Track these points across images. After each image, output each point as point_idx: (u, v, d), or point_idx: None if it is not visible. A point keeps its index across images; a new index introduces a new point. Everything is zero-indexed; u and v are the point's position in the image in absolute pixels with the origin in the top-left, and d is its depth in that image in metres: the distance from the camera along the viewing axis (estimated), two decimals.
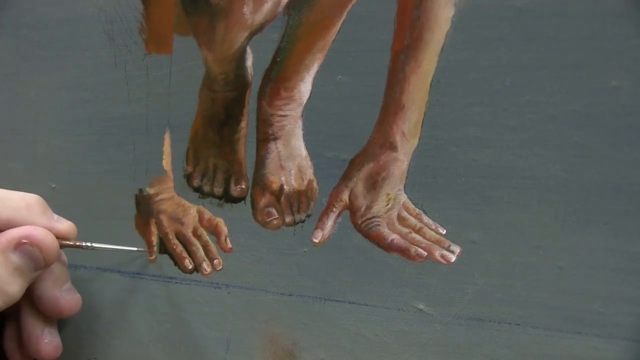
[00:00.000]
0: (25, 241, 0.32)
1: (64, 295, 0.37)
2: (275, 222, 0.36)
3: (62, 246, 0.35)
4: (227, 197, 0.37)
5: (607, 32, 0.28)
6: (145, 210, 0.39)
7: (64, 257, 0.37)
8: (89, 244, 0.36)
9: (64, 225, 0.35)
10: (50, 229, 0.34)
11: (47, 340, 0.37)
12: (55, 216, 0.35)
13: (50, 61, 0.41)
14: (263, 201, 0.36)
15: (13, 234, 0.32)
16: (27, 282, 0.33)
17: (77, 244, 0.36)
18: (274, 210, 0.36)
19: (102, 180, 0.40)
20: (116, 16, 0.38)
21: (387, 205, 0.34)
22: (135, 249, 0.39)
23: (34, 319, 0.37)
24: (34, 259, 0.33)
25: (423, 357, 0.33)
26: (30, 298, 0.36)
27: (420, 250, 0.33)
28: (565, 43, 0.29)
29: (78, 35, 0.40)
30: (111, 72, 0.39)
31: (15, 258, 0.32)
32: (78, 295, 0.37)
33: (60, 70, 0.41)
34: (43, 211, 0.34)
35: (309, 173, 0.35)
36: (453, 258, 0.32)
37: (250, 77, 0.36)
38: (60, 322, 0.40)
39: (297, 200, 0.36)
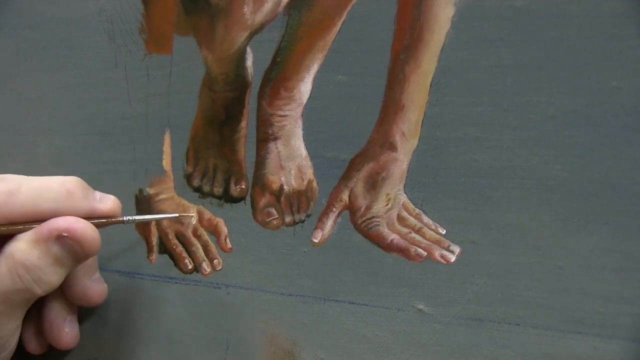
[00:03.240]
0: (65, 234, 0.32)
1: (93, 285, 0.37)
2: (275, 222, 0.36)
3: (103, 225, 0.34)
4: (227, 197, 0.37)
5: (607, 32, 0.28)
6: (145, 210, 0.39)
7: None
8: (130, 218, 0.36)
9: (107, 204, 0.34)
10: (93, 212, 0.34)
11: (68, 329, 0.38)
12: (98, 195, 0.35)
13: (51, 61, 0.41)
14: (263, 201, 0.36)
15: (55, 225, 0.32)
16: (66, 272, 0.33)
17: (117, 219, 0.35)
18: (273, 210, 0.36)
19: (102, 180, 0.40)
20: (116, 16, 0.38)
21: (387, 205, 0.34)
22: (177, 215, 0.38)
23: (58, 308, 0.37)
24: (75, 252, 0.33)
25: (423, 357, 0.33)
26: (60, 287, 0.35)
27: (420, 250, 0.33)
28: (565, 43, 0.29)
29: (78, 35, 0.40)
30: (111, 72, 0.39)
31: (56, 249, 0.32)
32: (105, 285, 0.38)
33: (61, 70, 0.41)
34: (84, 195, 0.34)
35: (309, 173, 0.35)
36: (453, 258, 0.32)
37: (250, 77, 0.36)
38: None
39: (297, 200, 0.36)
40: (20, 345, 0.38)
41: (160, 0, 0.37)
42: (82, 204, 0.33)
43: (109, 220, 0.34)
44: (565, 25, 0.29)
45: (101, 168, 0.40)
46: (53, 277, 0.33)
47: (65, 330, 0.37)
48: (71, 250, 0.32)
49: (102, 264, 0.40)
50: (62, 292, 0.36)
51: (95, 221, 0.34)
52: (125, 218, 0.35)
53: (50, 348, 0.38)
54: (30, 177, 0.33)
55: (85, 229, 0.33)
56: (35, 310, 0.37)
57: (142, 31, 0.38)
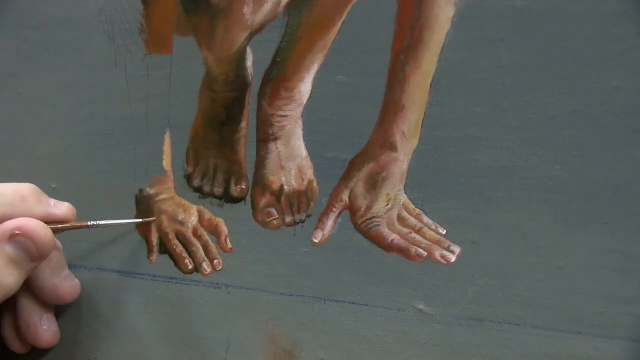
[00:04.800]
0: (17, 232, 0.32)
1: (63, 282, 0.37)
2: (275, 222, 0.36)
3: (64, 229, 0.35)
4: (227, 197, 0.37)
5: (607, 32, 0.28)
6: (145, 210, 0.39)
7: (59, 244, 0.37)
8: (93, 223, 0.36)
9: (62, 209, 0.35)
10: (47, 216, 0.34)
11: (46, 327, 0.38)
12: (52, 201, 0.35)
13: (51, 61, 0.41)
14: (263, 201, 0.36)
15: (6, 225, 0.33)
16: (23, 274, 0.33)
17: (81, 224, 0.36)
18: (273, 210, 0.36)
19: (103, 180, 0.40)
20: (116, 16, 0.38)
21: (387, 205, 0.34)
22: (140, 220, 0.39)
23: (31, 307, 0.37)
24: (28, 251, 0.33)
25: (423, 357, 0.33)
26: (27, 287, 0.36)
27: (420, 250, 0.33)
28: (565, 43, 0.29)
29: (78, 36, 0.40)
30: (111, 72, 0.39)
31: (9, 250, 0.32)
32: (76, 281, 0.38)
33: (61, 70, 0.41)
34: (38, 200, 0.35)
35: (309, 173, 0.35)
36: (453, 258, 0.32)
37: (250, 77, 0.36)
38: (59, 323, 0.40)
39: (297, 200, 0.36)
40: (4, 345, 0.38)
41: (160, 0, 0.37)
42: (35, 209, 0.34)
43: (73, 224, 0.35)
44: (565, 25, 0.29)
45: (101, 168, 0.40)
46: (9, 279, 0.33)
47: (44, 328, 0.37)
48: (25, 249, 0.33)
49: (103, 264, 0.40)
50: (33, 292, 0.36)
51: (59, 226, 0.35)
52: (89, 222, 0.36)
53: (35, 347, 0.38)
54: None
55: (37, 226, 0.33)
56: (12, 311, 0.37)
57: (142, 31, 0.38)
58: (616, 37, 0.28)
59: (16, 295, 0.36)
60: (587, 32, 0.29)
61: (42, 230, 0.33)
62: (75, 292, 0.38)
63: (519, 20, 0.30)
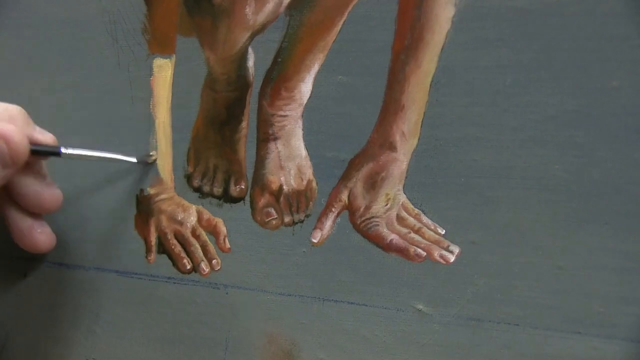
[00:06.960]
0: None
1: (47, 189, 0.37)
2: (274, 222, 0.36)
3: (37, 150, 0.35)
4: (227, 197, 0.37)
5: (607, 32, 0.29)
6: (145, 210, 0.39)
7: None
8: (68, 151, 0.36)
9: (45, 137, 0.35)
10: (30, 140, 0.34)
11: (40, 230, 0.38)
12: (38, 128, 0.36)
13: (54, 61, 0.41)
14: (262, 201, 0.36)
15: None
16: None
17: (53, 147, 0.35)
18: (273, 210, 0.36)
19: (105, 181, 0.40)
20: (119, 17, 0.39)
21: (386, 205, 0.34)
22: (122, 157, 0.38)
23: (21, 215, 0.37)
24: (1, 154, 0.32)
25: (422, 357, 0.33)
26: (12, 197, 0.36)
27: (419, 250, 0.33)
28: (565, 43, 0.29)
29: (81, 36, 0.40)
30: (115, 73, 0.39)
31: None
32: (59, 190, 0.38)
33: (64, 71, 0.41)
34: (25, 123, 0.34)
35: (309, 173, 0.35)
36: (452, 258, 0.32)
37: (251, 77, 0.36)
38: (58, 322, 0.40)
39: (296, 200, 0.36)
40: None
41: (164, 1, 0.37)
42: (21, 130, 0.34)
43: (46, 145, 0.35)
44: (565, 25, 0.29)
45: (103, 168, 0.40)
46: None
47: (38, 231, 0.38)
48: None
49: (101, 264, 0.40)
50: (18, 200, 0.36)
51: (32, 147, 0.34)
52: (62, 149, 0.35)
53: None
54: None
55: (14, 132, 0.33)
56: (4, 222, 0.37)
57: (145, 32, 0.38)
58: (616, 37, 0.28)
59: (3, 207, 0.36)
60: (587, 32, 0.29)
61: (19, 137, 0.33)
62: (58, 201, 0.37)
63: (519, 21, 0.30)
